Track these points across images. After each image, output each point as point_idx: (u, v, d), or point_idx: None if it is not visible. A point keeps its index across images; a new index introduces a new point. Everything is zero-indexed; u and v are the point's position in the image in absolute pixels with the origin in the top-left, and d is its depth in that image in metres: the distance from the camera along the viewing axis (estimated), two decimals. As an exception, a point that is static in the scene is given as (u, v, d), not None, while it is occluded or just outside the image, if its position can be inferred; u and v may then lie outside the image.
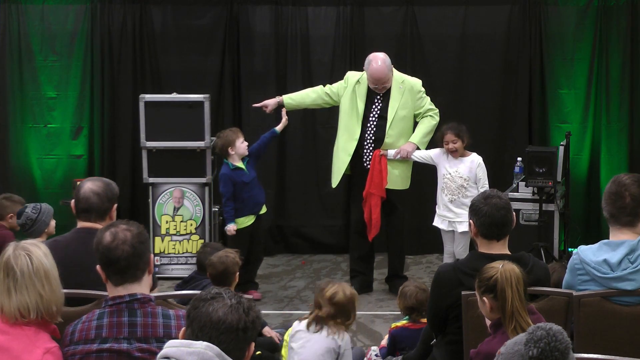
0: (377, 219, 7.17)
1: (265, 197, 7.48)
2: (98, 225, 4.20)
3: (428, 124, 7.22)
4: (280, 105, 7.43)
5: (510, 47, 8.64)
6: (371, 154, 7.17)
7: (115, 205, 4.35)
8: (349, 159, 7.23)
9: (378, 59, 7.09)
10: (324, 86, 7.42)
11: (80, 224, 4.30)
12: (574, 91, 8.59)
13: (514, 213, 4.21)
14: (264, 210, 7.38)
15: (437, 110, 7.27)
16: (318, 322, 4.68)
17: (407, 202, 7.52)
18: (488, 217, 4.07)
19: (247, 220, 7.24)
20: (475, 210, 4.12)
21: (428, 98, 7.27)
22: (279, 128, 7.46)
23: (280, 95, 7.51)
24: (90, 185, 4.29)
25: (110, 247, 3.29)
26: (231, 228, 7.19)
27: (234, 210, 7.19)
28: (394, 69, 7.22)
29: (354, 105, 7.20)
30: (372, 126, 7.18)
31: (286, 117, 7.45)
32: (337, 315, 4.66)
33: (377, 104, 7.18)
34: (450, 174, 6.98)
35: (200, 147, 7.83)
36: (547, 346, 2.54)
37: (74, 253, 4.08)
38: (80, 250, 4.05)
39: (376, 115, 7.17)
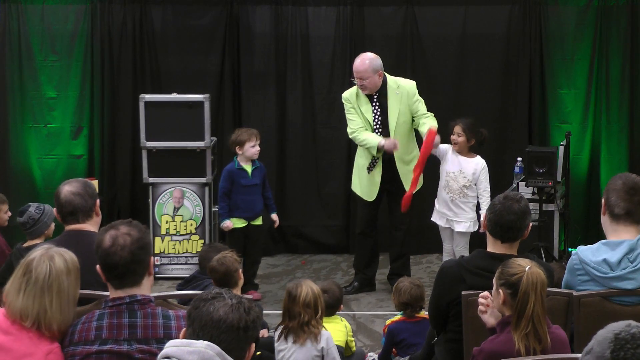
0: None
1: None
2: (87, 226, 4.21)
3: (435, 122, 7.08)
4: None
5: (510, 47, 8.63)
6: (376, 161, 7.10)
7: (98, 201, 4.33)
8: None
9: (362, 55, 7.11)
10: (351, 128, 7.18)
11: (69, 227, 4.25)
12: (574, 91, 8.59)
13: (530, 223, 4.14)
14: (258, 221, 7.37)
15: (433, 115, 7.18)
16: (294, 333, 4.69)
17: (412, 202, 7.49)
18: (497, 215, 4.08)
19: (238, 222, 7.26)
20: (491, 205, 4.15)
21: (422, 101, 7.19)
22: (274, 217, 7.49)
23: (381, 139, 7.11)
24: (68, 188, 4.25)
25: (109, 252, 3.26)
26: (228, 224, 7.20)
27: (228, 207, 7.20)
28: (387, 75, 7.13)
29: (364, 115, 7.10)
30: (377, 134, 7.09)
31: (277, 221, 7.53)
32: (310, 317, 4.68)
33: (375, 110, 7.10)
34: (453, 172, 6.98)
35: (200, 147, 7.83)
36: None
37: None
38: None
39: (379, 123, 7.09)
